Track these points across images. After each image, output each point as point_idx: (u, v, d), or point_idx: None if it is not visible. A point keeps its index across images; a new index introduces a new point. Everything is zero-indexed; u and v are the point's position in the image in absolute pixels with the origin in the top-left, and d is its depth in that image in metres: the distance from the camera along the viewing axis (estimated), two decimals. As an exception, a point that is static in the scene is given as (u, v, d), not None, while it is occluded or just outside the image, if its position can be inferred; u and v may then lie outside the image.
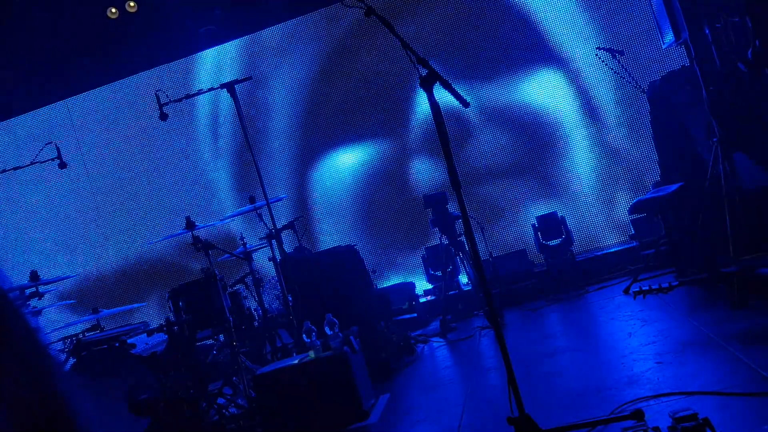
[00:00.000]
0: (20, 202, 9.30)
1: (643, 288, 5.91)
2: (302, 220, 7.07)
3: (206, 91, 6.23)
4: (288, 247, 6.45)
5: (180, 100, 6.21)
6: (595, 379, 4.09)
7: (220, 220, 6.75)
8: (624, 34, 7.77)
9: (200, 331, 5.63)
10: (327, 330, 4.76)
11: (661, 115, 6.15)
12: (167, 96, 6.22)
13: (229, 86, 6.08)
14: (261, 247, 6.58)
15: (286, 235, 6.34)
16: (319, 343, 4.71)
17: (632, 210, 6.49)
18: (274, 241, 6.21)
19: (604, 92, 8.01)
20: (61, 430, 0.99)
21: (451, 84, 3.17)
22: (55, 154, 6.51)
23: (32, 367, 1.01)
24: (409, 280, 8.07)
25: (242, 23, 8.57)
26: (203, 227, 5.95)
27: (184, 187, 9.19)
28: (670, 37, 5.48)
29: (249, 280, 6.39)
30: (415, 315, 7.40)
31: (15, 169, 6.56)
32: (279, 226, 6.21)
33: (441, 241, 7.21)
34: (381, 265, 8.17)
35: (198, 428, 5.01)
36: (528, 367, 4.76)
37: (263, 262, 7.08)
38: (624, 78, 7.22)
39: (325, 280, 6.00)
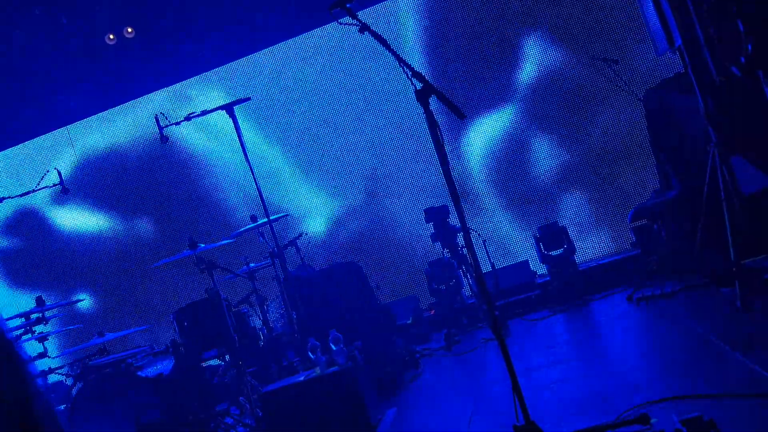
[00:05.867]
0: (25, 227, 9.34)
1: (646, 295, 5.95)
2: (305, 237, 7.08)
3: (205, 113, 6.27)
4: (291, 265, 6.47)
5: (179, 122, 6.25)
6: (601, 386, 4.10)
7: (223, 240, 6.76)
8: (618, 43, 7.82)
9: (206, 351, 5.65)
10: (332, 346, 4.77)
11: (657, 122, 6.18)
12: (167, 119, 6.26)
13: (228, 107, 6.13)
14: (264, 266, 6.59)
15: (288, 253, 6.35)
16: (324, 359, 4.72)
17: (632, 217, 6.51)
18: (277, 260, 6.23)
19: (600, 101, 8.05)
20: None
21: (446, 96, 3.21)
22: (58, 179, 6.55)
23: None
24: (412, 294, 8.07)
25: (238, 45, 8.64)
26: (207, 248, 5.98)
27: (187, 208, 9.23)
28: (663, 44, 5.52)
29: (253, 299, 6.40)
30: (420, 329, 7.40)
31: (20, 195, 6.60)
32: (281, 244, 6.22)
33: (443, 254, 7.22)
34: (384, 281, 8.18)
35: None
36: (533, 376, 4.77)
37: (267, 280, 7.09)
38: (620, 86, 7.27)
39: (328, 297, 6.01)
